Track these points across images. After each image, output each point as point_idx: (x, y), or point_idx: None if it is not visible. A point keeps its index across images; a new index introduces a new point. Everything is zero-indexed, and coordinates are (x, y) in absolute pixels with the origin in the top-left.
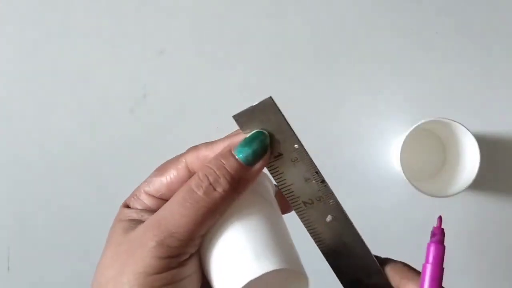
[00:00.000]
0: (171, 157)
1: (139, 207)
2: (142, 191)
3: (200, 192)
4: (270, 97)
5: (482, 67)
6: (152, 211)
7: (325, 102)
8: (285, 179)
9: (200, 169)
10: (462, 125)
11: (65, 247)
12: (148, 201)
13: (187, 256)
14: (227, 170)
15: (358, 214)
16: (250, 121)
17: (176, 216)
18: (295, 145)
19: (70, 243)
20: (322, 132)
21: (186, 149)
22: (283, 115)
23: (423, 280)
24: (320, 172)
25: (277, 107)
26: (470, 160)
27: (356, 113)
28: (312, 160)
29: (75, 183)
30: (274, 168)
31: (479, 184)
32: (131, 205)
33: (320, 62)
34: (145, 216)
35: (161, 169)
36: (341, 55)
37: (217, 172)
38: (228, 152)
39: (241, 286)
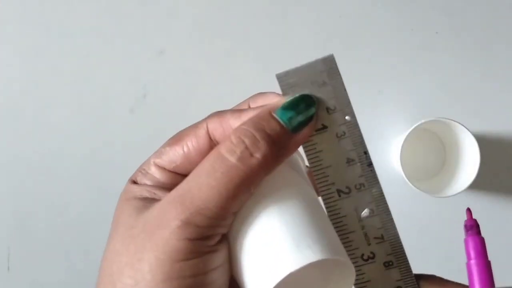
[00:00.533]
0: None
1: (149, 183)
2: (152, 163)
3: (233, 158)
4: (332, 55)
5: (482, 67)
6: (166, 188)
7: None
8: (321, 159)
9: (233, 132)
10: (462, 125)
11: (65, 247)
12: (160, 176)
13: (219, 237)
14: (267, 133)
15: None
16: (299, 83)
17: (204, 188)
18: (347, 117)
19: (70, 243)
20: None
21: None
22: (341, 79)
23: (472, 280)
24: (369, 153)
25: (337, 68)
26: (470, 160)
27: (356, 113)
28: (362, 137)
29: (75, 183)
30: (312, 144)
31: (479, 184)
32: (138, 180)
33: None
34: (158, 193)
35: (177, 138)
36: (341, 55)
37: (256, 135)
38: (268, 114)
39: (279, 280)
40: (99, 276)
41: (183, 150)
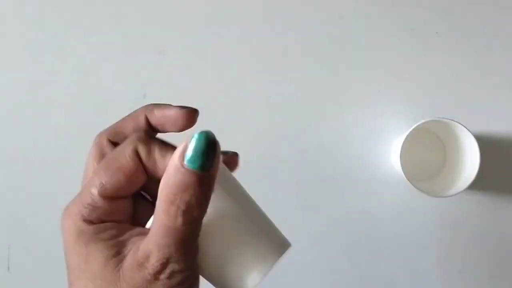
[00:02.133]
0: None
1: (103, 217)
2: (97, 195)
3: (178, 223)
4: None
5: (482, 67)
6: (115, 219)
7: (325, 103)
8: None
9: (164, 202)
10: (462, 125)
11: None
12: (108, 206)
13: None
14: (193, 194)
15: (358, 213)
16: None
17: (165, 251)
18: None
19: None
20: (322, 132)
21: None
22: None
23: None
24: None
25: None
26: (470, 160)
27: (356, 113)
28: None
29: (75, 183)
30: None
31: (479, 184)
32: (88, 217)
33: (320, 63)
34: (120, 244)
35: (107, 165)
36: (341, 55)
37: (186, 197)
38: (180, 166)
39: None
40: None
41: (122, 176)
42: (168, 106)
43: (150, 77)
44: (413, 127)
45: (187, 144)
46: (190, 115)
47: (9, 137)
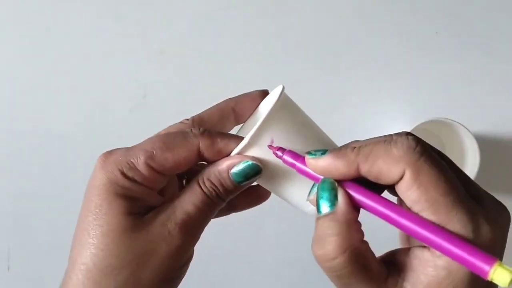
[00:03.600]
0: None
1: (138, 179)
2: (143, 161)
3: (213, 198)
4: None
5: (482, 67)
6: (148, 186)
7: (325, 103)
8: None
9: (205, 180)
10: (462, 125)
11: (65, 247)
12: (148, 174)
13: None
14: (225, 188)
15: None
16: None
17: (196, 216)
18: None
19: (70, 243)
20: None
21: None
22: None
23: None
24: None
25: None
26: (470, 160)
27: (356, 113)
28: None
29: (75, 183)
30: None
31: (479, 184)
32: (126, 172)
33: (320, 63)
34: (146, 198)
35: (168, 142)
36: (341, 55)
37: (219, 188)
38: (227, 174)
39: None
40: (92, 267)
41: (174, 159)
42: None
43: (150, 77)
44: (413, 127)
45: (236, 163)
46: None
47: (9, 137)
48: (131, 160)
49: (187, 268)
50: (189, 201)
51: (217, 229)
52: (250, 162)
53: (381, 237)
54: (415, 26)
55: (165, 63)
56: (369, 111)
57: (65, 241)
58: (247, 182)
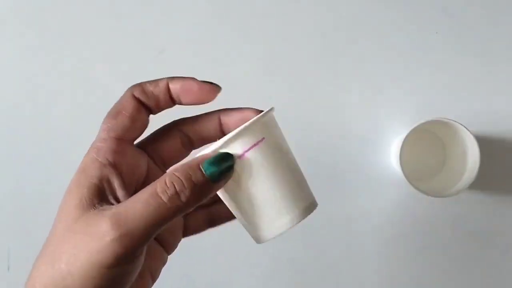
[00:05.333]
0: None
1: (107, 155)
2: (107, 136)
3: (164, 198)
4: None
5: (482, 67)
6: (119, 154)
7: (325, 103)
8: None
9: (168, 176)
10: (462, 125)
11: None
12: (115, 145)
13: (138, 254)
14: (193, 182)
15: (358, 213)
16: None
17: (137, 216)
18: None
19: None
20: (322, 132)
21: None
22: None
23: None
24: None
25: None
26: (470, 160)
27: (356, 113)
28: None
29: None
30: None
31: (479, 184)
32: (98, 155)
33: (320, 63)
34: (105, 178)
35: (114, 112)
36: (341, 55)
37: (184, 183)
38: (197, 166)
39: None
40: (43, 248)
41: (127, 115)
42: (190, 79)
43: (150, 77)
44: (413, 127)
45: (211, 154)
46: (212, 90)
47: (9, 137)
48: (100, 143)
49: (129, 275)
50: (136, 198)
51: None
52: (222, 152)
53: (382, 238)
54: (415, 26)
55: (165, 63)
56: (369, 111)
57: None
58: (220, 178)
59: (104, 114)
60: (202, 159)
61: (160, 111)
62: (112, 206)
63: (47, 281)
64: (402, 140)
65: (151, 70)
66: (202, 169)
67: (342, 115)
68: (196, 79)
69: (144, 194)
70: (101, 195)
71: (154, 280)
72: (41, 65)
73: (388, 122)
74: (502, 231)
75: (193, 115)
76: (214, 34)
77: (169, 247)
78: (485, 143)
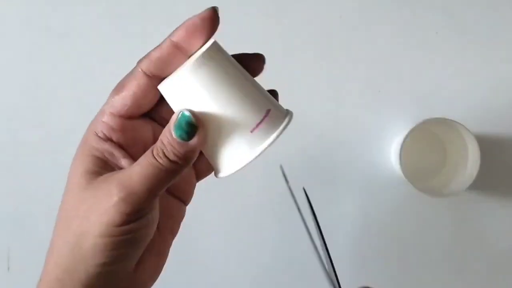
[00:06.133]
0: None
1: (105, 131)
2: (106, 112)
3: (160, 161)
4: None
5: (482, 67)
6: (117, 131)
7: (325, 102)
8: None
9: (158, 142)
10: (462, 125)
11: None
12: (113, 122)
13: (145, 212)
14: (172, 146)
15: (358, 213)
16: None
17: (140, 178)
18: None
19: None
20: (322, 132)
21: None
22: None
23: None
24: None
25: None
26: (470, 160)
27: (356, 113)
28: None
29: None
30: None
31: (479, 184)
32: (96, 130)
33: (320, 62)
34: (109, 157)
35: (119, 86)
36: (341, 55)
37: (167, 148)
38: (168, 131)
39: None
40: (58, 218)
41: (129, 93)
42: (189, 21)
43: None
44: (413, 127)
45: (176, 117)
46: (213, 13)
47: (9, 137)
48: (98, 118)
49: (140, 232)
50: (137, 162)
51: (217, 229)
52: (185, 112)
53: (382, 238)
54: (415, 26)
55: None
56: (369, 111)
57: None
58: (189, 137)
59: None
60: (171, 122)
61: (172, 72)
62: (117, 171)
63: (64, 242)
64: (402, 140)
65: None
66: (173, 134)
67: (342, 115)
68: (193, 17)
69: (144, 158)
70: (106, 166)
71: (174, 235)
72: (41, 65)
73: (388, 122)
74: (502, 231)
75: None
76: (214, 34)
77: (186, 196)
78: (485, 143)
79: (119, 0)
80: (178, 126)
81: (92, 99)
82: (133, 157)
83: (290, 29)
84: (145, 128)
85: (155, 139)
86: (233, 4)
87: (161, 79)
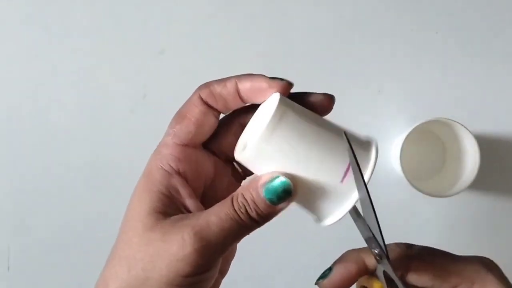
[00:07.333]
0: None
1: (171, 163)
2: (170, 143)
3: (241, 215)
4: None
5: (482, 67)
6: (183, 161)
7: None
8: None
9: (239, 195)
10: (462, 125)
11: (65, 247)
12: (178, 153)
13: (214, 265)
14: (257, 205)
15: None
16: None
17: (218, 229)
18: None
19: (70, 243)
20: None
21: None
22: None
23: None
24: None
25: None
26: (470, 160)
27: (356, 113)
28: None
29: (75, 183)
30: None
31: (479, 184)
32: (162, 163)
33: (319, 62)
34: (172, 187)
35: (180, 115)
36: (341, 55)
37: (250, 206)
38: (256, 192)
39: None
40: (115, 252)
41: (192, 120)
42: (259, 77)
43: (150, 77)
44: (413, 127)
45: (269, 180)
46: (287, 88)
47: (9, 137)
48: (164, 150)
49: (206, 283)
50: (215, 212)
51: None
52: (281, 179)
53: None
54: (415, 26)
55: (165, 63)
56: (369, 111)
57: (65, 241)
58: (279, 202)
59: (104, 113)
60: (264, 181)
61: (229, 111)
62: (188, 215)
63: (122, 284)
64: (402, 140)
65: (151, 70)
66: (262, 195)
67: (341, 115)
68: (265, 76)
69: (223, 209)
70: (171, 204)
71: (224, 275)
72: (41, 65)
73: (388, 122)
74: (502, 231)
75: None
76: (214, 34)
77: (224, 268)
78: (485, 143)
79: (119, 0)
80: (271, 190)
81: (92, 99)
82: (195, 192)
83: (290, 29)
84: (206, 160)
85: (216, 173)
86: (233, 4)
87: (216, 110)
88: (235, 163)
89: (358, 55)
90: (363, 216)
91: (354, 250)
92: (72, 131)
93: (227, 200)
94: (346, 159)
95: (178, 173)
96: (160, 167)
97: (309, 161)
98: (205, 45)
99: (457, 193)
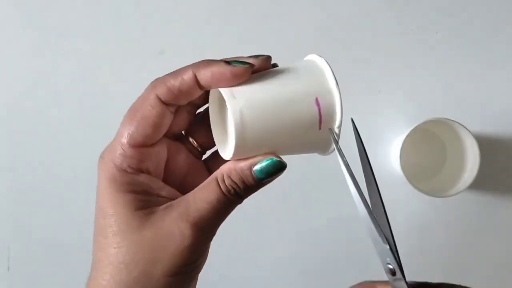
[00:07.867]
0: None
1: (133, 165)
2: (127, 146)
3: (231, 197)
4: None
5: (482, 67)
6: (146, 161)
7: None
8: None
9: (226, 179)
10: (462, 125)
11: (65, 247)
12: (139, 155)
13: (209, 244)
14: (247, 185)
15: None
16: None
17: (210, 214)
18: None
19: (70, 243)
20: None
21: None
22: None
23: None
24: None
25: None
26: (470, 160)
27: (356, 113)
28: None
29: (75, 183)
30: None
31: (479, 184)
32: (121, 165)
33: None
34: (147, 184)
35: (133, 113)
36: (340, 55)
37: (240, 187)
38: (249, 171)
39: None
40: (103, 260)
41: (150, 123)
42: (219, 63)
43: (150, 77)
44: (413, 127)
45: (259, 160)
46: (247, 71)
47: (9, 137)
48: (118, 152)
49: (202, 263)
50: (204, 198)
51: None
52: (274, 159)
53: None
54: (415, 26)
55: (165, 63)
56: (369, 111)
57: (65, 241)
58: (269, 179)
59: (104, 113)
60: (255, 162)
61: (187, 102)
62: (172, 205)
63: (124, 283)
64: (402, 140)
65: (151, 70)
66: (254, 175)
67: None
68: (226, 62)
69: (212, 194)
70: (149, 198)
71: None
72: (41, 65)
73: (388, 122)
74: (502, 231)
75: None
76: (214, 34)
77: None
78: (485, 143)
79: (119, 0)
80: (265, 171)
81: (92, 99)
82: (162, 179)
83: (290, 29)
84: (161, 147)
85: (170, 152)
86: (233, 4)
87: (175, 106)
88: (190, 138)
89: (358, 55)
90: (375, 215)
91: (369, 282)
92: (72, 131)
93: (211, 183)
94: (315, 109)
95: (142, 171)
96: (122, 170)
97: (286, 130)
98: (205, 45)
99: (457, 193)
